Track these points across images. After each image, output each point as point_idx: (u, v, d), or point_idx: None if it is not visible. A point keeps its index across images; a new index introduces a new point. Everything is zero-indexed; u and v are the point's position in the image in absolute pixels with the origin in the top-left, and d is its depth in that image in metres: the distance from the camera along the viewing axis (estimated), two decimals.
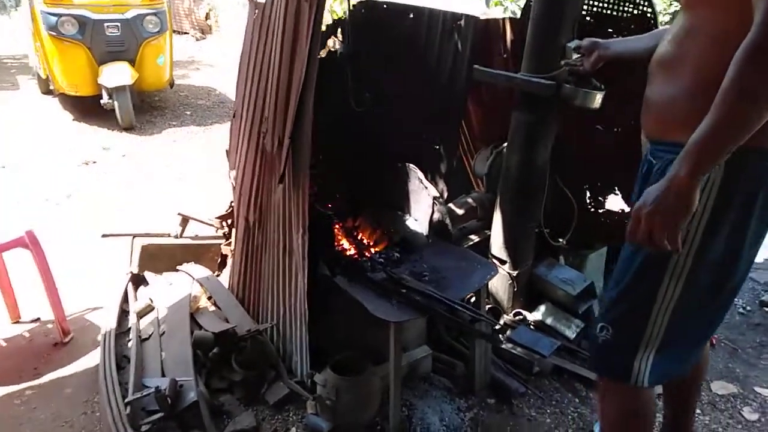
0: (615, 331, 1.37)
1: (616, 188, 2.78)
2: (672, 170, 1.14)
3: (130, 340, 2.45)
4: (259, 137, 2.24)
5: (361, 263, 2.19)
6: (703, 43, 1.23)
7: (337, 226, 2.39)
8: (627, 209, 2.81)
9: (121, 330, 2.55)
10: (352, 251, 2.33)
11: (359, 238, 2.42)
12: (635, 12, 2.40)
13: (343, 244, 2.35)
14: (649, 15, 2.36)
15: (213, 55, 10.90)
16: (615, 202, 2.85)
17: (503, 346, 2.36)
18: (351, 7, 2.30)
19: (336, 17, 2.43)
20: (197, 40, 13.53)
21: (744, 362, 2.43)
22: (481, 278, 2.03)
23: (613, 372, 1.43)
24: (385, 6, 2.56)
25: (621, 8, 2.43)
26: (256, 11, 2.32)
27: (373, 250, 2.33)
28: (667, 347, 1.34)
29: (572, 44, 2.07)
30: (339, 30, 2.43)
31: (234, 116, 2.56)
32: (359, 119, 2.42)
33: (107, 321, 2.56)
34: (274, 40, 2.04)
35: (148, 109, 6.70)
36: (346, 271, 2.09)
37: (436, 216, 2.31)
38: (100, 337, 2.49)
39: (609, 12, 2.46)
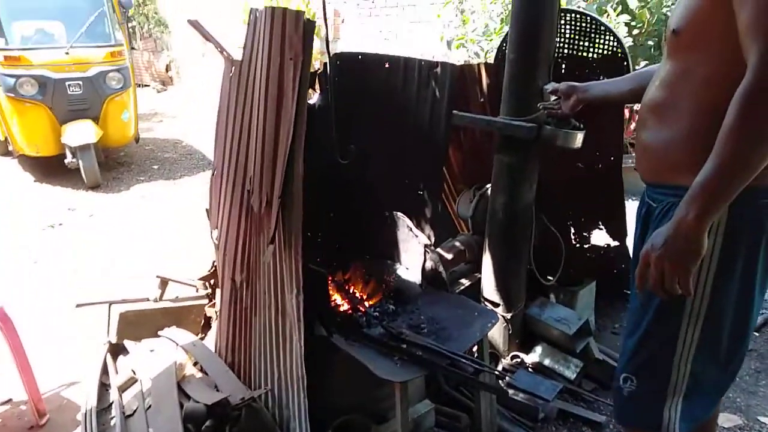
0: (640, 380, 1.35)
1: (600, 223, 2.80)
2: (678, 214, 1.14)
3: (113, 418, 2.30)
4: (243, 196, 2.18)
5: (356, 319, 2.12)
6: (695, 86, 1.25)
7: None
8: (612, 243, 2.84)
9: (103, 406, 2.39)
10: (346, 306, 2.27)
11: (351, 291, 2.36)
12: (606, 53, 2.47)
13: (335, 300, 2.29)
14: (619, 55, 2.43)
15: (176, 107, 10.85)
16: (600, 237, 2.88)
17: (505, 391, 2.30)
18: (330, 59, 2.29)
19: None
20: (158, 92, 13.50)
21: (743, 391, 2.43)
22: (482, 327, 1.99)
23: (643, 423, 1.39)
24: (360, 57, 2.57)
25: (592, 50, 2.50)
26: (233, 68, 2.29)
27: (367, 304, 2.27)
28: (694, 393, 1.32)
29: (548, 87, 2.10)
30: (316, 82, 2.43)
31: (213, 174, 2.50)
32: (340, 170, 2.39)
33: (87, 397, 2.40)
34: (256, 97, 2.00)
35: (114, 165, 6.57)
36: (341, 328, 2.02)
37: (429, 264, 2.27)
38: (79, 416, 2.33)
39: (581, 54, 2.53)
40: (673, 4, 5.03)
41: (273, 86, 1.86)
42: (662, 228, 1.17)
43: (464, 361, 1.85)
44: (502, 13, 5.34)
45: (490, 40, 5.30)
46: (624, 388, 1.37)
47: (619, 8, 4.95)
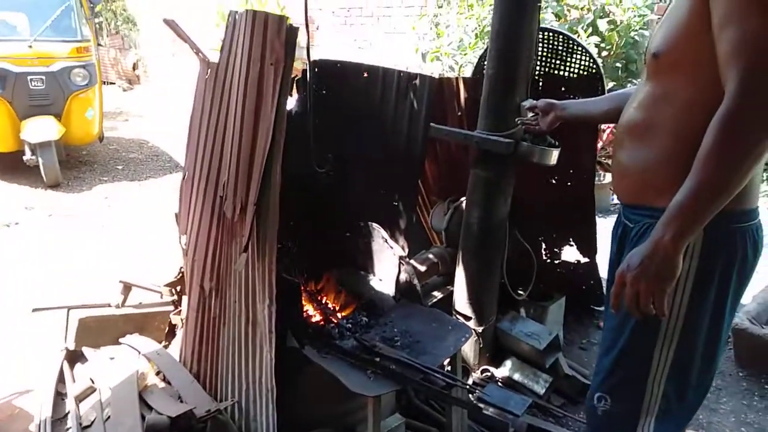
0: (614, 400, 1.35)
1: (571, 239, 2.84)
2: (655, 234, 1.15)
3: (69, 429, 2.19)
4: (216, 202, 2.12)
5: (329, 330, 2.09)
6: (674, 109, 1.27)
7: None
8: (582, 260, 2.88)
9: (58, 416, 2.28)
10: (318, 317, 2.23)
11: (323, 302, 2.32)
12: (581, 72, 2.51)
13: (307, 310, 2.24)
14: (595, 74, 2.47)
15: (142, 106, 10.61)
16: (570, 253, 2.92)
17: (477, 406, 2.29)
18: (309, 65, 2.26)
19: None
20: (124, 90, 13.19)
21: (705, 408, 2.48)
22: (455, 341, 1.98)
23: None
24: (338, 65, 2.55)
25: (569, 69, 2.54)
26: (209, 71, 2.24)
27: (339, 315, 2.23)
28: (666, 413, 1.33)
29: (526, 103, 2.13)
30: (293, 88, 2.39)
31: (184, 178, 2.43)
32: (316, 179, 2.36)
33: (41, 407, 2.29)
34: (233, 101, 1.96)
35: (75, 164, 6.36)
36: (313, 340, 1.98)
37: (403, 276, 2.25)
38: (33, 427, 2.22)
39: (557, 72, 2.57)
40: (641, 28, 5.19)
41: (252, 91, 1.82)
42: (638, 248, 1.18)
43: (438, 375, 1.83)
44: (476, 28, 5.40)
45: (465, 54, 5.36)
46: (598, 407, 1.38)
47: (590, 30, 5.08)
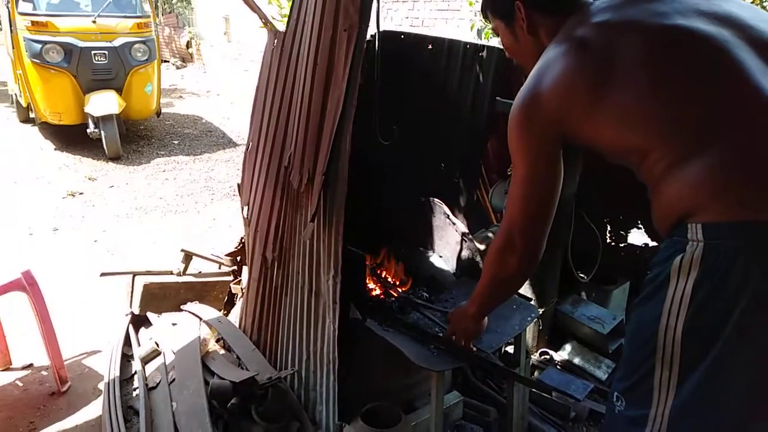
0: (627, 403, 1.19)
1: (640, 222, 2.72)
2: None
3: (135, 389, 2.27)
4: (280, 172, 2.12)
5: (390, 304, 2.07)
6: None
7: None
8: (651, 243, 2.77)
9: (125, 377, 2.37)
10: (378, 291, 2.21)
11: (383, 276, 2.30)
12: None
13: (368, 284, 2.23)
14: None
15: (195, 83, 10.80)
16: (636, 236, 2.81)
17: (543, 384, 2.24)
18: (375, 36, 2.21)
19: None
20: (177, 68, 13.47)
21: None
22: (521, 321, 1.92)
23: None
24: (402, 36, 2.50)
25: None
26: (275, 41, 2.23)
27: (399, 290, 2.21)
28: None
29: None
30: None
31: (248, 149, 2.44)
32: (377, 150, 2.33)
33: (109, 367, 2.38)
34: (302, 70, 1.94)
35: (134, 138, 6.54)
36: (374, 313, 1.96)
37: (465, 253, 2.21)
38: (102, 386, 2.31)
39: None
40: None
41: (322, 59, 1.79)
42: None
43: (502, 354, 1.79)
44: None
45: None
46: (615, 405, 1.23)
47: None
